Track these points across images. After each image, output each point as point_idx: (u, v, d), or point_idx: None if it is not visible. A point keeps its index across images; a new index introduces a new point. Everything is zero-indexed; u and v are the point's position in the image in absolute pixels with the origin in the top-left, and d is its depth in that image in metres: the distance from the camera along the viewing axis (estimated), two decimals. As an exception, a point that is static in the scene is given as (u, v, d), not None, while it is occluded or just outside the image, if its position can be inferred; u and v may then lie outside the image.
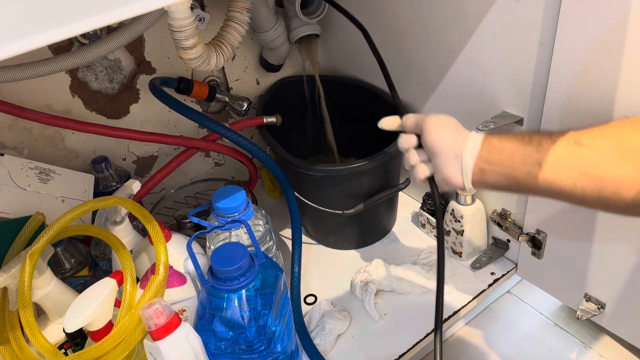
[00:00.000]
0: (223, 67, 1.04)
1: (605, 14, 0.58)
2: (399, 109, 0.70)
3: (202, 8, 0.93)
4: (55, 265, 0.80)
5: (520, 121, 0.77)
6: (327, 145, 1.11)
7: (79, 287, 0.81)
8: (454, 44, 0.81)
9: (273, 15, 0.94)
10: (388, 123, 0.67)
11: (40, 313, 0.74)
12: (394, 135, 0.92)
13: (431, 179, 0.63)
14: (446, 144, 0.59)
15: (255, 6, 0.88)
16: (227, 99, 1.01)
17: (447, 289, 0.87)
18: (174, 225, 0.96)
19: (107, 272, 0.84)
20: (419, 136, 0.63)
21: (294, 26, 0.97)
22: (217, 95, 0.99)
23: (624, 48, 0.58)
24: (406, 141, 0.64)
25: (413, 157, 0.63)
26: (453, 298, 0.86)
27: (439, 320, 0.60)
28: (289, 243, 0.98)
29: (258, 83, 1.11)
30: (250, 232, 0.68)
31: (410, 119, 0.64)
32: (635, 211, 0.50)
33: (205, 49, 0.73)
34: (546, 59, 0.68)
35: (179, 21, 0.66)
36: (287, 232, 1.03)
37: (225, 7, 0.81)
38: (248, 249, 0.66)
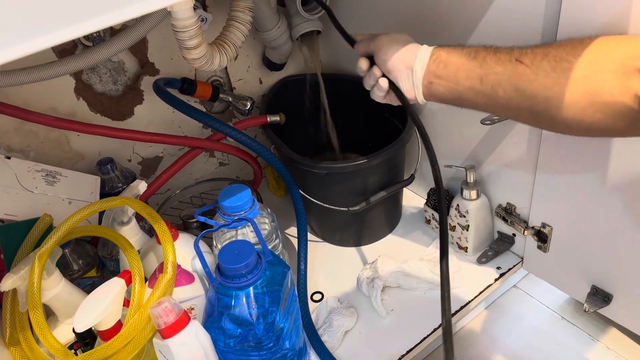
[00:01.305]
0: (226, 67, 1.05)
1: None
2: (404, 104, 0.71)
3: (205, 8, 0.93)
4: (63, 267, 0.81)
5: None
6: (330, 143, 1.11)
7: (87, 287, 0.82)
8: (457, 37, 0.80)
9: (275, 14, 0.94)
10: (362, 60, 0.70)
11: (49, 314, 0.75)
12: (397, 131, 0.92)
13: (392, 88, 0.66)
14: (397, 59, 0.63)
15: (257, 5, 0.88)
16: (230, 99, 1.01)
17: (454, 284, 0.87)
18: (180, 225, 0.96)
19: (115, 272, 0.84)
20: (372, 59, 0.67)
21: (296, 23, 0.97)
22: (221, 95, 0.99)
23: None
24: (361, 65, 0.68)
25: (369, 79, 0.68)
26: (459, 293, 0.86)
27: (447, 317, 0.61)
28: (294, 241, 0.98)
29: (261, 82, 1.11)
30: (256, 230, 0.69)
31: (364, 41, 0.68)
32: (562, 128, 0.53)
33: (208, 49, 0.74)
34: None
35: (182, 21, 0.67)
36: (292, 231, 1.04)
37: (227, 7, 0.82)
38: (255, 246, 0.66)
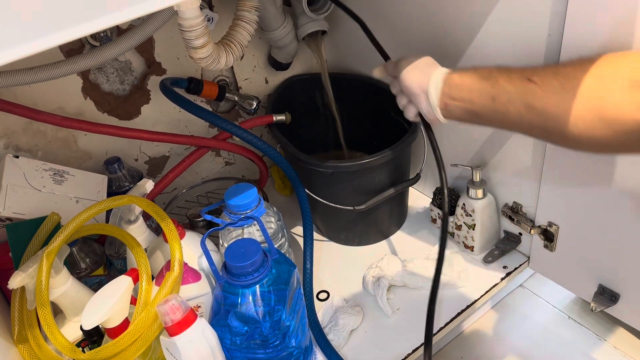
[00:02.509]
0: (232, 67, 1.05)
1: (612, 10, 0.58)
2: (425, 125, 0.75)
3: (211, 8, 0.94)
4: (70, 265, 0.81)
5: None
6: (336, 142, 1.11)
7: (95, 286, 0.82)
8: (463, 37, 0.80)
9: (281, 14, 0.94)
10: (378, 72, 0.78)
11: (56, 312, 0.75)
12: (402, 130, 0.92)
13: (421, 117, 0.72)
14: (414, 84, 0.68)
15: (263, 5, 0.88)
16: (236, 98, 1.02)
17: (460, 283, 0.87)
18: (187, 224, 0.97)
19: (122, 271, 0.85)
20: None
21: (301, 23, 0.97)
22: (227, 95, 1.00)
23: (633, 44, 0.58)
24: (393, 87, 0.75)
25: (401, 100, 0.74)
26: (466, 292, 0.86)
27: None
28: (300, 240, 0.98)
29: (267, 82, 1.12)
30: (262, 229, 0.69)
31: (389, 66, 0.75)
32: (574, 145, 0.55)
33: (215, 48, 0.74)
34: (555, 51, 0.67)
35: (188, 21, 0.67)
36: (298, 230, 1.04)
37: (234, 7, 0.82)
38: (261, 245, 0.66)
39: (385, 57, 0.81)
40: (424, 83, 0.66)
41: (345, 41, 1.07)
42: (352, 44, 1.05)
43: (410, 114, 0.73)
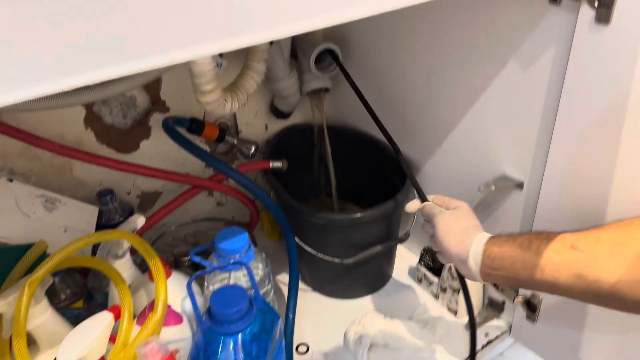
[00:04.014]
0: (234, 111, 1.07)
1: (605, 93, 0.61)
2: (402, 166, 0.81)
3: (221, 55, 0.96)
4: (50, 295, 0.79)
5: (520, 185, 0.79)
6: (328, 190, 1.13)
7: (72, 319, 0.80)
8: (459, 107, 0.84)
9: (287, 67, 0.97)
10: (411, 208, 0.77)
11: (30, 343, 0.73)
12: (394, 188, 0.94)
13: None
14: (452, 252, 0.65)
15: (272, 57, 0.91)
16: (235, 142, 1.03)
17: (440, 347, 0.87)
18: (172, 262, 0.96)
19: (102, 305, 0.83)
20: None
21: (307, 79, 1.00)
22: (227, 137, 1.01)
23: (624, 123, 0.61)
24: (426, 230, 0.72)
25: (434, 246, 0.71)
26: (445, 358, 0.86)
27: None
28: (284, 288, 0.98)
29: (266, 128, 1.14)
30: (250, 275, 0.69)
31: (426, 210, 0.72)
32: (633, 309, 0.54)
33: (222, 94, 0.76)
34: (548, 129, 0.70)
35: (200, 66, 0.69)
36: (283, 277, 1.03)
37: (243, 54, 0.85)
38: (247, 292, 0.66)
39: (388, 136, 0.85)
40: (462, 254, 0.64)
41: (346, 98, 1.10)
42: (353, 101, 1.08)
43: (442, 261, 0.72)
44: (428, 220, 0.72)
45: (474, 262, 0.63)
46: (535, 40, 0.68)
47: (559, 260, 0.56)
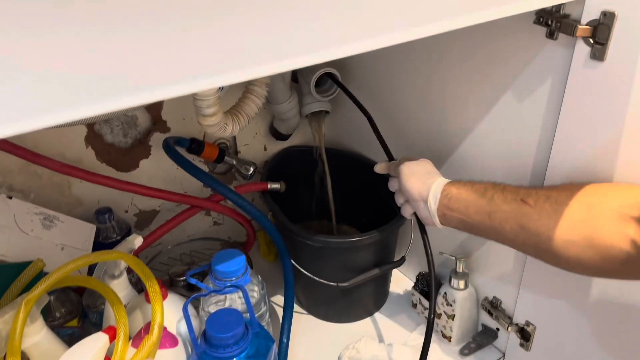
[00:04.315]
0: (234, 132, 1.08)
1: (600, 127, 0.63)
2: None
3: (222, 77, 0.97)
4: (45, 312, 0.79)
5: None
6: (324, 212, 1.13)
7: (66, 337, 0.80)
8: (456, 134, 0.85)
9: (288, 89, 0.98)
10: (380, 169, 0.84)
11: (23, 361, 0.73)
12: (391, 210, 0.95)
13: (416, 216, 0.76)
14: (414, 192, 0.72)
15: (273, 80, 0.92)
16: (234, 162, 1.04)
17: (434, 373, 0.87)
18: (167, 281, 0.96)
19: (97, 325, 0.83)
20: None
21: (307, 102, 1.01)
22: (226, 158, 1.02)
23: (618, 157, 0.62)
24: (391, 185, 0.79)
25: (399, 199, 0.78)
26: (440, 383, 0.86)
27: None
28: (279, 310, 0.98)
29: (265, 149, 1.15)
30: (247, 299, 0.69)
31: (391, 166, 0.80)
32: (565, 266, 0.59)
33: (223, 117, 0.77)
34: (544, 160, 0.71)
35: (203, 90, 0.70)
36: (277, 299, 1.03)
37: (244, 78, 0.85)
38: (243, 314, 0.66)
39: (387, 150, 0.85)
40: (424, 192, 0.70)
41: (346, 121, 1.11)
42: (352, 124, 1.10)
43: (407, 213, 0.77)
44: (395, 174, 0.77)
45: (433, 199, 0.69)
46: (532, 72, 0.70)
47: (508, 209, 0.60)
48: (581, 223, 0.55)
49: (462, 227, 0.67)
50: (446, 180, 0.70)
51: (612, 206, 0.54)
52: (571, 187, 0.58)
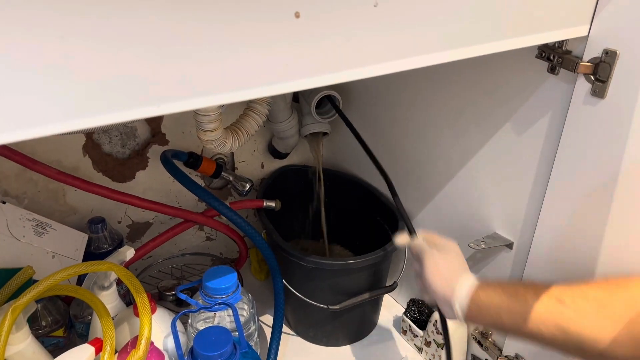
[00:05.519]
0: (232, 148, 1.08)
1: (598, 164, 0.63)
2: (399, 216, 0.75)
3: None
4: (30, 321, 0.78)
5: (510, 245, 0.80)
6: (317, 232, 1.13)
7: (51, 347, 0.79)
8: (454, 163, 0.85)
9: (288, 109, 0.99)
10: (400, 241, 0.76)
11: (5, 370, 0.72)
12: (384, 236, 0.95)
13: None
14: (438, 293, 0.66)
15: (274, 99, 0.93)
16: (231, 178, 1.04)
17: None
18: (156, 295, 0.95)
19: (83, 335, 0.82)
20: None
21: (306, 122, 1.02)
22: (222, 173, 1.02)
23: (615, 193, 0.62)
24: (414, 266, 0.72)
25: (419, 284, 0.70)
26: (427, 413, 0.85)
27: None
28: (267, 329, 0.96)
29: (263, 167, 1.15)
30: (236, 318, 0.68)
31: (415, 247, 0.72)
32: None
33: (223, 133, 0.77)
34: (540, 193, 0.72)
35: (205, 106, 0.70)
36: (266, 318, 1.02)
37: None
38: (231, 332, 0.66)
39: (383, 173, 0.85)
40: (449, 296, 0.64)
41: (344, 143, 1.12)
42: (350, 147, 1.10)
43: (427, 300, 0.73)
44: (416, 258, 0.71)
45: (460, 306, 0.63)
46: (532, 105, 0.71)
47: (544, 311, 0.57)
48: (626, 323, 0.52)
49: (492, 328, 0.65)
50: (474, 282, 0.64)
51: None
52: (609, 284, 0.57)
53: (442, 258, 0.68)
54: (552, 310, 0.57)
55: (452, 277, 0.65)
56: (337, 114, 1.00)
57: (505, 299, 0.60)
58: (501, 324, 0.61)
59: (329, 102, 1.01)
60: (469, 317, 0.63)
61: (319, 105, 1.00)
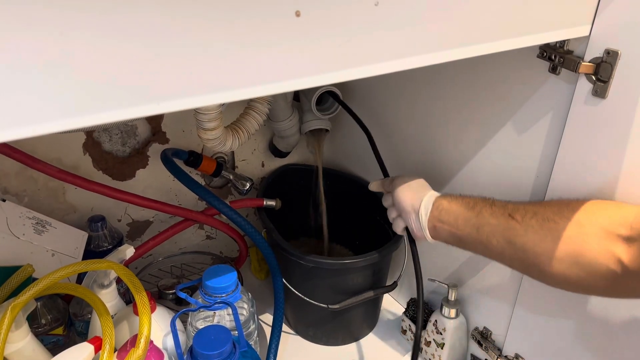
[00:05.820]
0: (232, 147, 1.08)
1: (599, 163, 0.63)
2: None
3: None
4: (30, 318, 0.78)
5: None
6: (318, 231, 1.13)
7: (50, 345, 0.79)
8: (454, 161, 0.85)
9: (289, 107, 0.99)
10: (374, 186, 0.84)
11: (4, 368, 0.72)
12: (385, 234, 0.95)
13: (408, 231, 0.76)
14: (407, 202, 0.73)
15: (275, 98, 0.93)
16: (231, 177, 1.04)
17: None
18: (155, 293, 0.95)
19: (82, 334, 0.82)
20: None
21: (307, 119, 1.02)
22: (223, 172, 1.02)
23: (615, 196, 0.62)
24: (385, 200, 0.80)
25: (391, 213, 0.78)
26: (426, 413, 0.84)
27: None
28: (266, 329, 0.96)
29: (263, 165, 1.15)
30: (236, 317, 0.68)
31: (385, 182, 0.80)
32: (550, 282, 0.59)
33: (223, 132, 0.77)
34: (541, 192, 0.72)
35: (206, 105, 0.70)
36: (265, 317, 1.02)
37: (247, 94, 0.86)
38: (231, 331, 0.66)
39: (384, 170, 0.86)
40: (416, 203, 0.71)
41: (344, 142, 1.12)
42: (351, 145, 1.10)
43: (398, 228, 0.77)
44: (389, 190, 0.78)
45: (425, 211, 0.70)
46: (533, 105, 0.70)
47: (495, 223, 0.62)
48: (568, 240, 0.55)
49: (451, 240, 0.68)
50: (438, 194, 0.72)
51: (600, 224, 0.55)
52: (559, 204, 0.59)
53: (413, 179, 0.76)
54: (502, 223, 0.61)
55: (420, 191, 0.73)
56: (337, 111, 1.00)
57: (464, 209, 0.66)
58: (457, 232, 0.66)
59: (330, 98, 1.00)
60: (431, 223, 0.69)
61: (319, 102, 0.99)
